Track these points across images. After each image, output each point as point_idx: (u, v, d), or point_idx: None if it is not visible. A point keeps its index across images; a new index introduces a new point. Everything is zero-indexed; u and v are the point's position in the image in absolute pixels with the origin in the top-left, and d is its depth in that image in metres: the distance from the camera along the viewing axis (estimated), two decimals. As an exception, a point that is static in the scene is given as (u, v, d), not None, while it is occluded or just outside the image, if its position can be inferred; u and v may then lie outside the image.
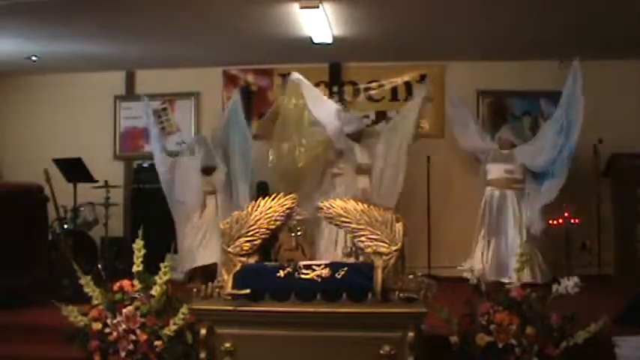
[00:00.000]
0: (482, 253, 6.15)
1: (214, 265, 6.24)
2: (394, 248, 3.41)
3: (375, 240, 3.45)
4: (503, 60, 7.47)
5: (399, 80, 7.78)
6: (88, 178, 7.08)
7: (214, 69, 7.93)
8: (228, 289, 3.40)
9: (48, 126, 8.12)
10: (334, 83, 7.80)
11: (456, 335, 3.72)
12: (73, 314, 3.79)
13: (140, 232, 3.92)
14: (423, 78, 7.69)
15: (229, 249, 3.60)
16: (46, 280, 5.61)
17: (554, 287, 3.75)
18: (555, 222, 6.62)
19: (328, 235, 6.15)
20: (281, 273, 3.43)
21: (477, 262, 5.93)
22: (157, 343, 3.62)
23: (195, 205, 6.69)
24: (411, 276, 3.52)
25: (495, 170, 6.29)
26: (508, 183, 6.27)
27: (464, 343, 3.68)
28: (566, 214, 6.70)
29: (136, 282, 3.81)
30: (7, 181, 7.82)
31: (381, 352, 3.19)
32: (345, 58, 7.71)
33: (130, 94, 8.17)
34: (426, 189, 7.25)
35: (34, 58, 7.32)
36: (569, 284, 3.72)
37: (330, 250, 5.99)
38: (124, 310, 3.69)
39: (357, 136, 6.61)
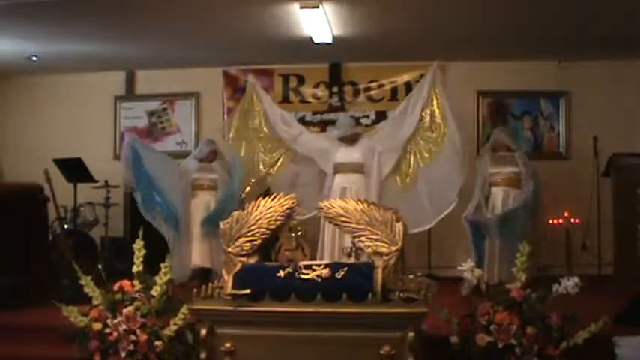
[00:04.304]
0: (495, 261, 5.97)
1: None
2: (394, 248, 3.41)
3: (375, 240, 3.45)
4: (503, 60, 7.47)
5: (398, 80, 7.77)
6: (88, 178, 7.08)
7: (214, 69, 7.92)
8: (228, 289, 3.40)
9: (48, 126, 8.12)
10: (334, 83, 7.80)
11: (456, 335, 3.72)
12: (73, 314, 3.79)
13: (140, 232, 3.94)
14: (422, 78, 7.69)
15: (229, 249, 3.59)
16: (46, 280, 5.60)
17: (554, 287, 3.75)
18: (555, 222, 6.61)
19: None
20: (281, 273, 3.43)
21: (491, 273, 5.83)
22: (157, 343, 3.63)
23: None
24: (411, 276, 3.52)
25: (503, 172, 6.21)
26: (516, 184, 6.18)
27: (464, 343, 3.68)
28: (566, 214, 6.69)
29: (136, 282, 3.82)
30: (7, 181, 7.82)
31: (381, 352, 3.19)
32: (345, 58, 7.71)
33: (130, 94, 8.17)
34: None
35: (34, 58, 7.32)
36: (569, 284, 3.71)
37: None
38: (124, 310, 3.69)
39: (349, 140, 6.57)
